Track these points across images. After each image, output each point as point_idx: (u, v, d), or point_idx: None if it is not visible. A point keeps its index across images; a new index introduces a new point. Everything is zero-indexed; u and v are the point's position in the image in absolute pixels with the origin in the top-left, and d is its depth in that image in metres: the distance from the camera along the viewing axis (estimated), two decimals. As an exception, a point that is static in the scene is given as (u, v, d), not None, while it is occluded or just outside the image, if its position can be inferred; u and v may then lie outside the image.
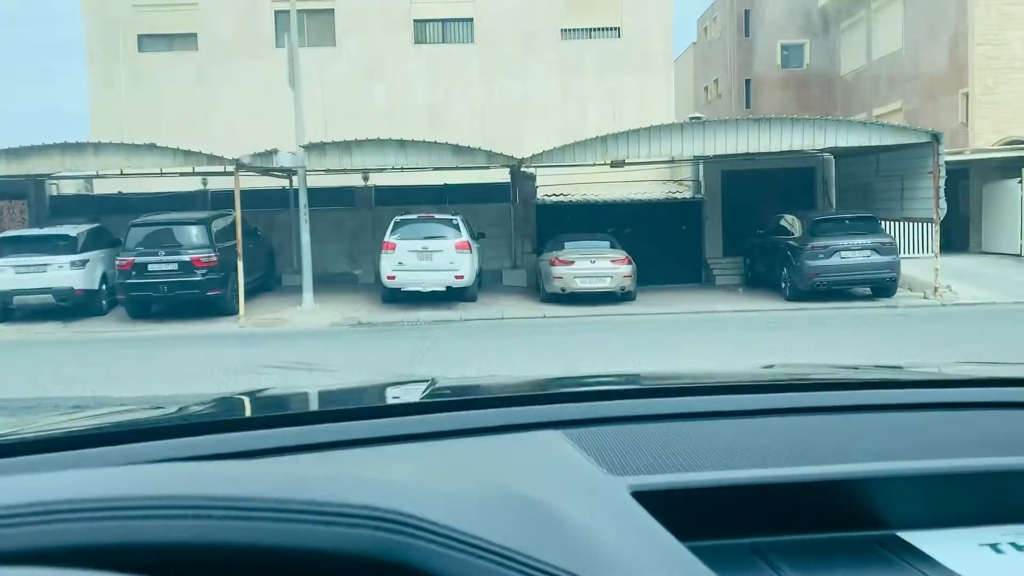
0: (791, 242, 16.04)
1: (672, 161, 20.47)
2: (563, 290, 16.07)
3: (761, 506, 1.00)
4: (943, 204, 15.13)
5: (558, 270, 16.07)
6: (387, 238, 15.90)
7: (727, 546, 0.96)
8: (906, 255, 17.61)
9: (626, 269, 16.04)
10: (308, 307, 16.31)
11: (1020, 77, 22.03)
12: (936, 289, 15.32)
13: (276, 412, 1.43)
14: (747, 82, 35.80)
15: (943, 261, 17.40)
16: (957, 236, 21.60)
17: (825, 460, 1.05)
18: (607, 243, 17.15)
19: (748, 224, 19.74)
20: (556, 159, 16.06)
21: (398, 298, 16.22)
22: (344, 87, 24.75)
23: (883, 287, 15.57)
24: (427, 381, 1.57)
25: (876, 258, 15.17)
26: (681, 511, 0.91)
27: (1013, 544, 0.97)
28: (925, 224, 19.56)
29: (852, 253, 15.23)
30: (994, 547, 0.97)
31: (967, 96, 23.10)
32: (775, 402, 1.26)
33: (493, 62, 24.97)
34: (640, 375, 3.64)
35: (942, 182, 15.04)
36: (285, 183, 19.75)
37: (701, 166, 20.70)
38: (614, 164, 19.99)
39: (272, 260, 19.67)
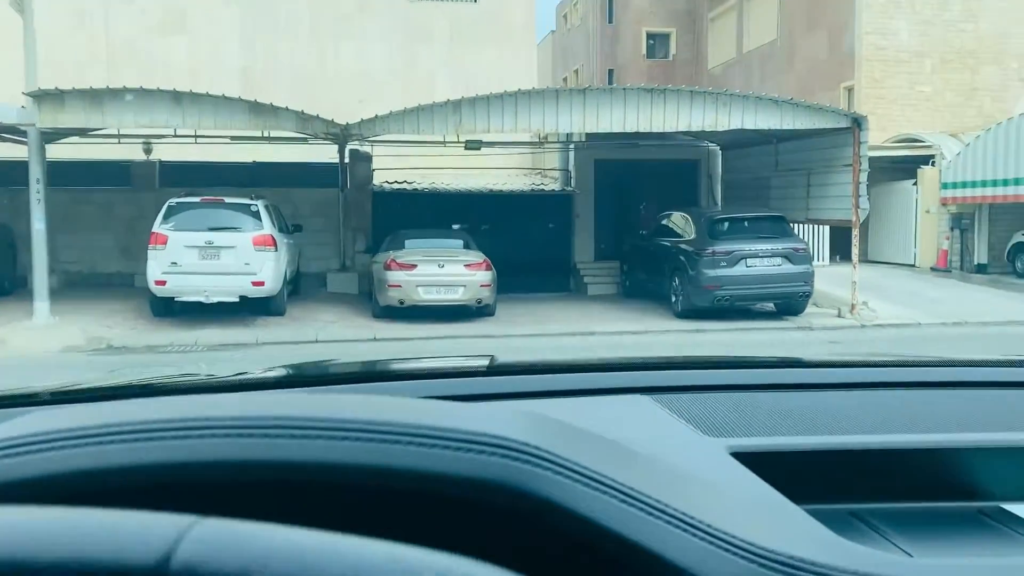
0: (684, 246, 13.00)
1: (540, 143, 17.08)
2: (401, 302, 12.27)
3: (861, 474, 0.99)
4: (864, 203, 12.54)
5: (396, 276, 12.24)
6: (156, 228, 11.50)
7: (827, 510, 0.90)
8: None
9: (483, 276, 12.44)
10: (41, 321, 11.63)
11: (909, 70, 20.29)
12: (853, 307, 12.71)
13: (377, 369, 1.44)
14: (610, 72, 33.30)
15: (833, 272, 14.99)
16: (841, 244, 19.53)
17: (930, 430, 1.04)
18: (460, 243, 13.49)
19: (625, 224, 16.67)
20: (394, 128, 12.21)
21: (173, 310, 11.86)
22: (135, 41, 19.83)
23: (793, 303, 12.82)
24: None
25: (788, 268, 12.35)
26: (780, 475, 0.88)
27: None
28: (819, 228, 17.22)
29: (760, 261, 12.35)
30: None
31: (850, 90, 21.20)
32: (872, 376, 1.27)
33: (325, 21, 20.77)
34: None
35: (864, 176, 12.44)
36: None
37: (572, 154, 17.45)
38: (469, 146, 16.38)
39: (12, 255, 14.64)
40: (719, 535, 0.66)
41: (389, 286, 12.27)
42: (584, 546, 0.63)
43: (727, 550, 0.65)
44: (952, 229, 17.48)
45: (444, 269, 12.28)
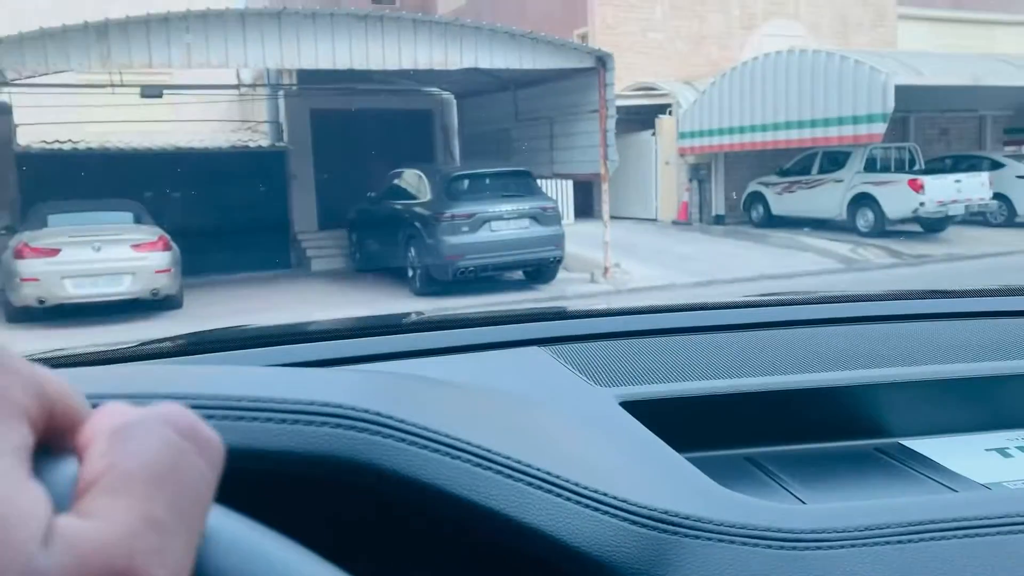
0: (418, 210, 10.94)
1: (238, 88, 14.10)
2: (42, 302, 9.04)
3: (756, 418, 0.96)
4: (613, 154, 11.20)
5: (31, 266, 8.97)
6: None
7: (721, 457, 0.91)
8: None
9: (160, 259, 9.50)
10: None
11: (640, 16, 19.63)
12: (607, 270, 11.42)
13: (255, 336, 1.29)
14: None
15: (579, 231, 13.79)
16: (582, 200, 18.61)
17: (823, 369, 1.01)
18: (129, 216, 10.35)
19: (352, 186, 14.26)
20: (28, 62, 8.78)
21: None
22: None
23: (544, 270, 11.27)
24: (413, 312, 1.51)
25: (537, 230, 10.70)
26: (671, 423, 0.85)
27: (1021, 448, 0.94)
28: (563, 183, 15.97)
29: (505, 224, 10.58)
30: (1001, 451, 0.93)
31: (584, 37, 20.24)
32: (767, 315, 1.23)
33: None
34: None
35: (611, 124, 11.09)
36: None
37: (281, 102, 14.65)
38: (146, 93, 13.08)
39: None
40: (586, 493, 0.61)
41: (22, 280, 8.97)
42: (441, 518, 0.58)
43: (596, 508, 0.61)
44: (691, 180, 17.04)
45: (101, 253, 9.18)
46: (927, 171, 14.58)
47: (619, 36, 19.55)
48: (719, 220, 16.86)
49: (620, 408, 0.86)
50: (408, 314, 1.47)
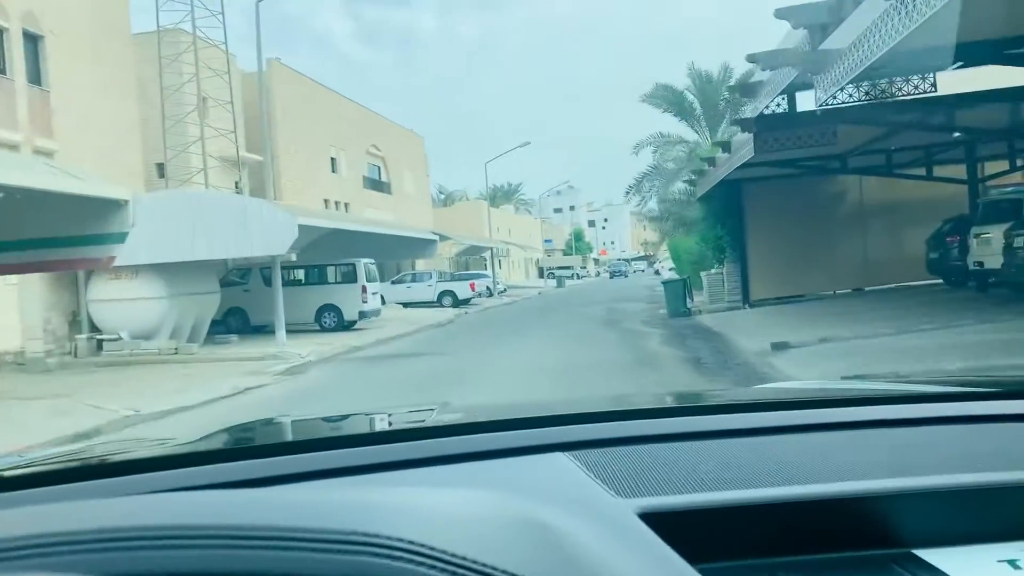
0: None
1: None
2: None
3: (774, 527, 0.98)
4: None
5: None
6: None
7: (741, 567, 0.94)
8: None
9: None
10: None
11: None
12: None
13: (277, 440, 1.39)
14: None
15: None
16: None
17: (838, 477, 1.03)
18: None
19: None
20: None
21: None
22: None
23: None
24: (434, 407, 1.57)
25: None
26: (692, 533, 0.88)
27: None
28: None
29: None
30: (1012, 563, 0.94)
31: None
32: (784, 419, 1.26)
33: None
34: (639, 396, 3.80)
35: None
36: None
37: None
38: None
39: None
40: None
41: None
42: None
43: None
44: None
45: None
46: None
47: None
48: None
49: (639, 520, 0.88)
50: (431, 412, 1.50)
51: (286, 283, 21.54)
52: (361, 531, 0.61)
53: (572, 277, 66.44)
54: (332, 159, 40.01)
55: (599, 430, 1.20)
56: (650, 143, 36.76)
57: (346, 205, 39.12)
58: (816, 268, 20.50)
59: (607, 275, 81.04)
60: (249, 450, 1.25)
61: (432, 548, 0.60)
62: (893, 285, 20.65)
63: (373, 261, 23.77)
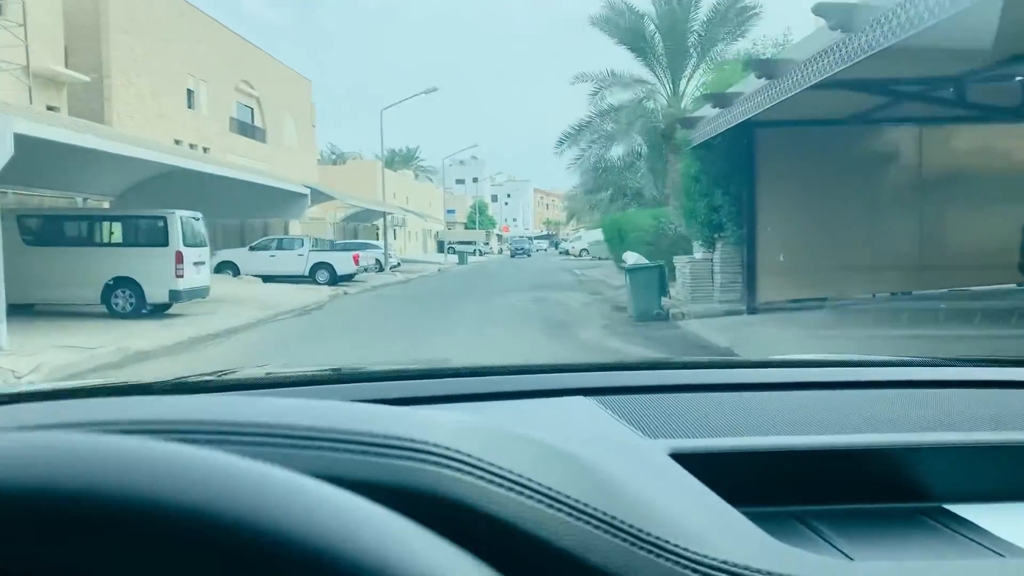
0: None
1: None
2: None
3: (803, 475, 0.98)
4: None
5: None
6: None
7: (769, 512, 0.91)
8: None
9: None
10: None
11: None
12: None
13: (299, 375, 1.39)
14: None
15: None
16: None
17: (871, 429, 1.03)
18: None
19: None
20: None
21: None
22: None
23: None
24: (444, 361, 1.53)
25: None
26: (721, 477, 0.86)
27: None
28: None
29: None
30: None
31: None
32: (816, 375, 1.27)
33: None
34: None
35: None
36: None
37: None
38: None
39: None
40: (648, 539, 0.62)
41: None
42: (505, 552, 0.58)
43: (658, 555, 0.62)
44: None
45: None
46: None
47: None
48: None
49: (670, 459, 0.88)
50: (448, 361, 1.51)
51: (53, 239, 14.55)
52: (407, 436, 0.60)
53: (474, 253, 60.14)
54: (189, 91, 32.08)
55: (623, 377, 1.21)
56: (594, 80, 27.94)
57: (204, 149, 31.44)
58: (850, 260, 13.98)
59: (507, 253, 75.40)
60: (279, 382, 1.27)
61: (469, 455, 0.60)
62: (959, 288, 14.45)
63: (199, 215, 15.60)
